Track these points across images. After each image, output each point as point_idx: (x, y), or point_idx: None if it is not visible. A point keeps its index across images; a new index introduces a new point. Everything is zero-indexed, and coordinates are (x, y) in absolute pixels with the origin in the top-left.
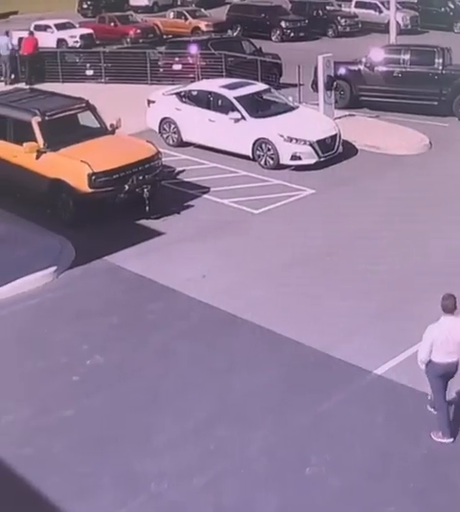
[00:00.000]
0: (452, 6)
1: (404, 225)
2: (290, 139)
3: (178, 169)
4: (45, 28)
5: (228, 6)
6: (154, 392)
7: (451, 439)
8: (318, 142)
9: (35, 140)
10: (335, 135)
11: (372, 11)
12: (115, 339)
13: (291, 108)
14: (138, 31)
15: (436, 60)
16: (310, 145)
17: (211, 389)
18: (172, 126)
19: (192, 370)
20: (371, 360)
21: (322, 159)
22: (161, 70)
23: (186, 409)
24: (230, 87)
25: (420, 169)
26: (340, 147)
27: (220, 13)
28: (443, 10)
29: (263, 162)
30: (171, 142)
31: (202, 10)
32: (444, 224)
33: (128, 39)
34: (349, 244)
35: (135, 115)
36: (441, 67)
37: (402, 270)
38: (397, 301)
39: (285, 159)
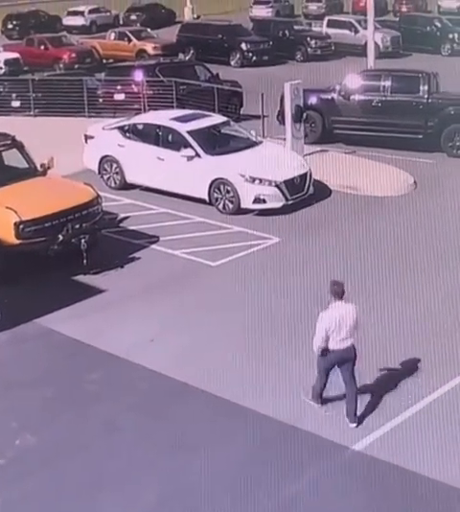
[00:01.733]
0: (439, 25)
1: (387, 278)
2: (253, 179)
3: (122, 215)
4: None
5: (179, 25)
6: (97, 475)
7: (320, 405)
8: (285, 182)
9: None
10: (305, 174)
11: (347, 32)
12: (49, 415)
13: (254, 144)
14: (73, 55)
15: (421, 88)
16: (276, 186)
17: (161, 469)
18: (115, 165)
19: (139, 448)
20: (347, 433)
21: (290, 202)
22: (100, 100)
23: (134, 493)
24: (182, 120)
25: (403, 213)
26: (311, 187)
27: (170, 34)
28: (428, 29)
29: (221, 206)
30: (112, 184)
31: (149, 30)
32: (427, 277)
33: (62, 65)
34: (320, 301)
35: (70, 153)
36: (426, 95)
37: (380, 330)
38: (378, 367)
39: (246, 203)
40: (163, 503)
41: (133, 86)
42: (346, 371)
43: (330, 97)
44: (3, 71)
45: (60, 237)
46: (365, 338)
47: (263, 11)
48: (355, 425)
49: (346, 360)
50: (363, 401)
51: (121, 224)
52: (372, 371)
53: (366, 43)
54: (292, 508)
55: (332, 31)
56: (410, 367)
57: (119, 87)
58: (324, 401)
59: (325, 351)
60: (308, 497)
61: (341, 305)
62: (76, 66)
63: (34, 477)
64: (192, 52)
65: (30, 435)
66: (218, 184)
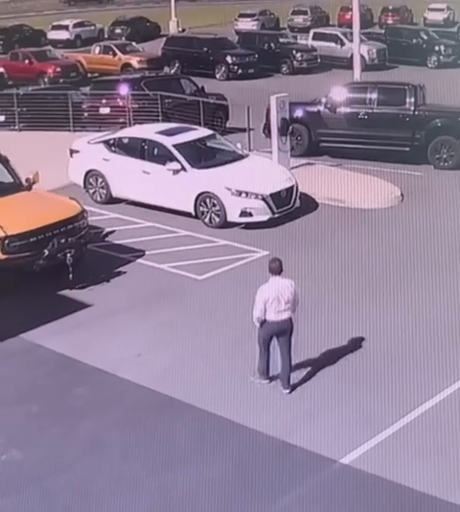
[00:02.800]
0: (425, 37)
1: (374, 292)
2: (239, 193)
3: (107, 229)
4: None
5: (164, 39)
6: (83, 492)
7: (268, 381)
8: (272, 196)
9: None
10: (292, 187)
11: (333, 44)
12: (35, 431)
13: (240, 157)
14: (58, 69)
15: (407, 100)
16: (263, 199)
17: (148, 486)
18: (100, 179)
19: (126, 465)
20: (335, 446)
21: (276, 215)
22: (86, 114)
23: (121, 509)
24: (167, 134)
25: (390, 225)
26: (298, 201)
27: (155, 48)
28: (414, 41)
29: (207, 220)
30: (98, 198)
31: (134, 43)
32: (415, 291)
33: (46, 79)
34: (307, 314)
35: (56, 168)
36: (413, 108)
37: (373, 345)
38: (366, 379)
39: (233, 216)
40: None
41: (118, 100)
42: (283, 343)
43: (316, 110)
44: None
45: (46, 252)
46: (351, 351)
47: (248, 24)
48: (288, 391)
49: (283, 331)
50: (352, 414)
51: (107, 239)
52: (360, 384)
53: (352, 56)
54: None
55: (317, 43)
56: (398, 380)
57: (104, 101)
58: (272, 379)
59: (263, 322)
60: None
61: (279, 280)
62: (61, 80)
63: (21, 493)
64: (177, 65)
65: (16, 451)
66: (204, 198)
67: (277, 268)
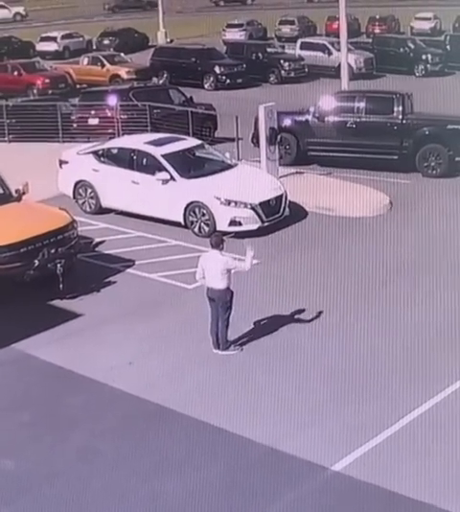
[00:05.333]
0: (412, 46)
1: (363, 301)
2: (228, 202)
3: (97, 239)
4: None
5: (152, 49)
6: (75, 501)
7: (233, 347)
8: (261, 204)
9: None
10: (281, 196)
11: (320, 54)
12: (27, 440)
13: (229, 166)
14: (47, 80)
15: (395, 109)
16: (252, 208)
17: (140, 495)
18: (89, 190)
19: (118, 473)
20: (327, 453)
21: (266, 224)
22: (75, 125)
23: None
24: (156, 144)
25: (379, 233)
26: (287, 209)
27: (143, 58)
28: (402, 50)
29: (196, 229)
30: (88, 209)
31: (122, 54)
32: (408, 299)
33: (35, 91)
34: (298, 323)
35: (45, 178)
36: (401, 116)
37: (363, 353)
38: (357, 387)
39: (222, 225)
40: None
41: (107, 111)
42: (213, 309)
43: (304, 119)
44: None
45: (36, 262)
46: (343, 357)
47: (236, 35)
48: (224, 351)
49: (211, 298)
50: (343, 420)
51: (96, 249)
52: (352, 390)
53: (340, 65)
54: None
55: (305, 53)
56: (389, 387)
57: (93, 112)
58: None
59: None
60: None
61: (216, 253)
62: (49, 92)
63: (12, 504)
64: (165, 76)
65: (7, 460)
66: (193, 207)
67: (214, 243)
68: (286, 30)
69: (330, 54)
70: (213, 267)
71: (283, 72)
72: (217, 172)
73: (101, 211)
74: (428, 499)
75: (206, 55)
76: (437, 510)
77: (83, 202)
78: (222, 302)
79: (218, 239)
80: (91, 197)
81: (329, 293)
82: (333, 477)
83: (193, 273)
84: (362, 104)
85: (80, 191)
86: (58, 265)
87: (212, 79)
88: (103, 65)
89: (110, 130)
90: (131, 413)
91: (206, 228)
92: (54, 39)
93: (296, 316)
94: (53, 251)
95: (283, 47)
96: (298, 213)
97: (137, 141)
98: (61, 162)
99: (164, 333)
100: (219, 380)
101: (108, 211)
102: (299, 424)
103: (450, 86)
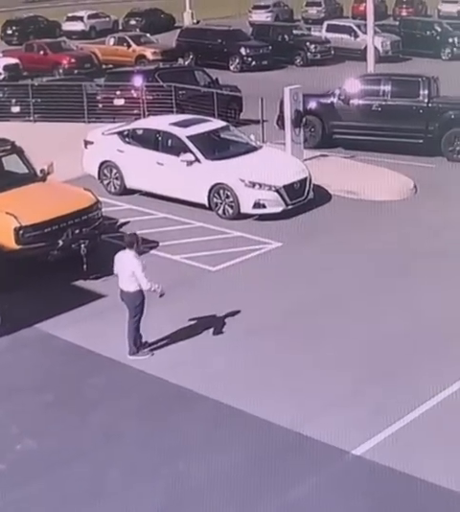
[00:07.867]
0: (439, 29)
1: (386, 285)
2: (253, 184)
3: (121, 220)
4: None
5: (178, 30)
6: (98, 482)
7: (144, 351)
8: (285, 187)
9: None
10: (305, 179)
11: (346, 36)
12: (50, 420)
13: (254, 149)
14: (72, 60)
15: (421, 92)
16: (276, 191)
17: (163, 476)
18: (114, 170)
19: (141, 454)
20: (349, 438)
21: (290, 207)
22: (100, 106)
23: (135, 501)
24: (181, 125)
25: (403, 217)
26: (311, 192)
27: (169, 39)
28: (428, 33)
29: (221, 211)
30: (112, 189)
31: (148, 35)
32: (432, 284)
33: (61, 70)
34: (321, 306)
35: (70, 159)
36: (427, 100)
37: (385, 337)
38: (378, 371)
39: (246, 208)
40: (164, 510)
41: (133, 92)
42: (127, 310)
43: (329, 101)
44: (2, 77)
45: (60, 242)
46: (364, 343)
47: (262, 16)
48: (132, 356)
49: (123, 299)
50: (363, 405)
51: (120, 230)
52: (372, 376)
53: (366, 47)
54: None
55: (331, 35)
56: (411, 372)
57: (118, 93)
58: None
59: None
60: (308, 502)
61: (128, 253)
62: (75, 71)
63: (35, 483)
64: (191, 57)
65: (31, 440)
66: (217, 189)
67: (127, 243)
68: (312, 12)
69: (356, 36)
70: (123, 269)
71: (309, 54)
72: (241, 154)
73: (125, 192)
74: (450, 484)
75: (232, 36)
76: (457, 495)
77: (108, 183)
78: (131, 305)
79: (131, 239)
80: (116, 178)
81: (353, 277)
82: (354, 461)
83: (216, 255)
84: (388, 88)
85: (105, 171)
86: (82, 245)
87: (237, 60)
88: (129, 46)
89: (135, 111)
90: (154, 395)
91: (230, 210)
92: (80, 19)
93: (321, 300)
94: (77, 232)
95: (309, 29)
96: (322, 196)
97: (162, 122)
98: (86, 142)
99: (186, 314)
100: (242, 362)
101: (133, 192)
102: (320, 409)
103: None
